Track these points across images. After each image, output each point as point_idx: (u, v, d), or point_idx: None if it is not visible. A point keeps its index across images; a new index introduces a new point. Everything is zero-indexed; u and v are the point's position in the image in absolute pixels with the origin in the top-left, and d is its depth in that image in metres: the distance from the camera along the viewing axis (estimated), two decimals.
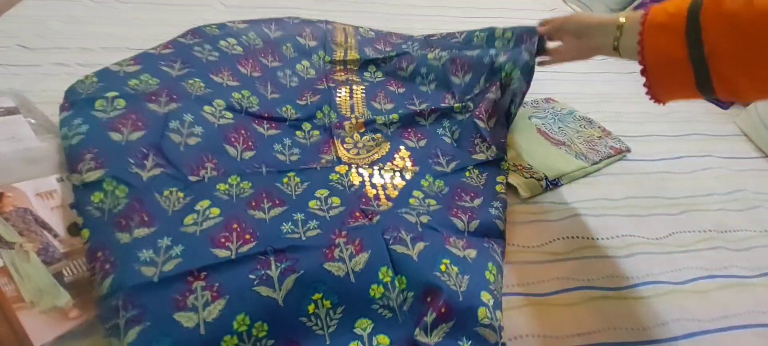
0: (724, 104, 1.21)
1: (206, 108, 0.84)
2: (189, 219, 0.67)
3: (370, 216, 0.70)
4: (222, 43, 1.01)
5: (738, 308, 0.71)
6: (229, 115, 0.85)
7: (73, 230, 0.67)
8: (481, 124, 0.92)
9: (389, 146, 0.90)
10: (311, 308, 0.58)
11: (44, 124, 0.83)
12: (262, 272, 0.60)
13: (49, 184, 0.72)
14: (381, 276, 0.60)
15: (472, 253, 0.69)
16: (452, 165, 0.87)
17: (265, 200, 0.71)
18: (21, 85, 0.96)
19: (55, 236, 0.66)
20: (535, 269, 0.73)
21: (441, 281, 0.61)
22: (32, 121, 0.83)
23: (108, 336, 0.56)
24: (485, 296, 0.62)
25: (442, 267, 0.63)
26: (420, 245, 0.65)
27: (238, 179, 0.74)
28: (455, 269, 0.64)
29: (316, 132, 0.92)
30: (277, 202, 0.71)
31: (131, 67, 0.89)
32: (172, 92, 0.82)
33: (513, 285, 0.70)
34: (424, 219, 0.71)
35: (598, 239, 0.80)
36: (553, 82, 1.18)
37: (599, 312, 0.68)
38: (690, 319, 0.69)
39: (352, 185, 0.76)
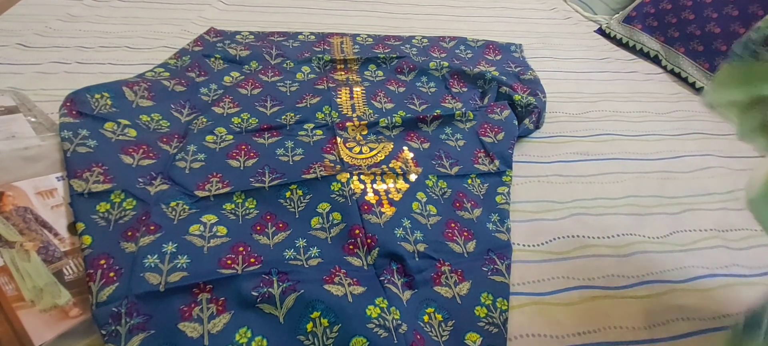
0: None
1: (208, 137, 0.88)
2: (194, 228, 0.70)
3: (369, 239, 0.71)
4: (226, 78, 1.06)
5: (739, 307, 0.71)
6: (230, 137, 0.89)
7: (74, 228, 0.67)
8: (487, 140, 0.94)
9: (392, 146, 0.91)
10: (309, 326, 0.59)
11: (44, 123, 0.83)
12: (265, 290, 0.62)
13: (49, 182, 0.72)
14: (378, 302, 0.62)
15: (464, 287, 0.69)
16: (455, 169, 0.88)
17: (269, 224, 0.73)
18: (21, 83, 0.96)
19: (56, 234, 0.66)
20: (535, 268, 0.73)
21: (424, 331, 0.62)
22: (32, 119, 0.83)
23: (105, 342, 0.56)
24: (471, 338, 0.62)
25: (426, 318, 0.64)
26: (407, 294, 0.66)
27: (243, 197, 0.76)
28: (439, 316, 0.65)
29: (319, 131, 0.93)
30: (281, 225, 0.73)
31: (145, 101, 0.93)
32: (181, 136, 0.88)
33: (513, 285, 0.70)
34: (421, 247, 0.72)
35: (598, 238, 0.80)
36: (552, 82, 1.18)
37: (599, 312, 0.68)
38: (690, 318, 0.69)
39: (354, 193, 0.77)
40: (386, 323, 0.59)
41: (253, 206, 0.76)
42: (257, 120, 0.94)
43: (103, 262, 0.63)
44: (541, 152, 0.97)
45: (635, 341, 0.65)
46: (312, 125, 0.94)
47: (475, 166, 0.89)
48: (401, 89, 1.09)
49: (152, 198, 0.73)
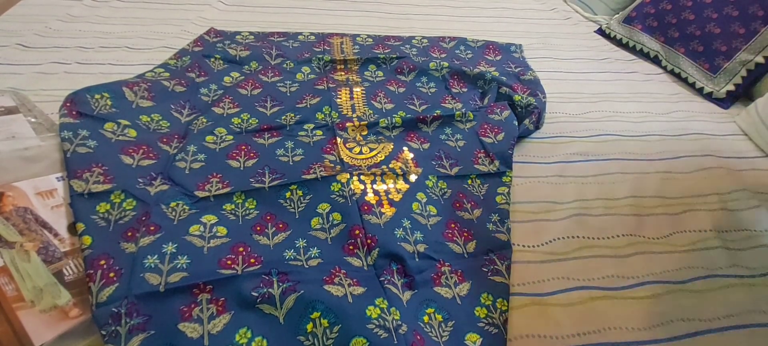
0: (724, 103, 1.21)
1: (208, 138, 0.88)
2: (194, 229, 0.70)
3: (369, 240, 0.71)
4: (226, 79, 1.06)
5: (738, 308, 0.71)
6: (230, 137, 0.89)
7: (74, 229, 0.67)
8: (487, 140, 0.94)
9: (392, 147, 0.91)
10: (309, 326, 0.59)
11: (44, 123, 0.83)
12: (265, 290, 0.62)
13: (49, 183, 0.72)
14: (378, 302, 0.62)
15: (464, 288, 0.69)
16: (455, 169, 0.88)
17: (269, 225, 0.73)
18: (21, 83, 0.96)
19: (56, 235, 0.66)
20: (535, 268, 0.73)
21: (424, 331, 0.62)
22: (32, 119, 0.83)
23: (105, 342, 0.56)
24: (471, 338, 0.63)
25: (426, 318, 0.64)
26: (407, 294, 0.66)
27: (243, 197, 0.76)
28: (439, 317, 0.65)
29: (319, 131, 0.93)
30: (281, 225, 0.73)
31: (145, 101, 0.93)
32: (181, 137, 0.88)
33: (513, 285, 0.70)
34: (421, 247, 0.72)
35: (598, 238, 0.80)
36: (552, 82, 1.18)
37: (599, 312, 0.68)
38: (690, 318, 0.69)
39: (353, 193, 0.77)
40: (386, 323, 0.59)
41: (253, 207, 0.76)
42: (257, 120, 0.94)
43: (103, 262, 0.63)
44: (542, 153, 0.97)
45: (635, 341, 0.65)
46: (312, 126, 0.94)
47: (475, 166, 0.89)
48: (401, 90, 1.09)
49: (152, 198, 0.73)
